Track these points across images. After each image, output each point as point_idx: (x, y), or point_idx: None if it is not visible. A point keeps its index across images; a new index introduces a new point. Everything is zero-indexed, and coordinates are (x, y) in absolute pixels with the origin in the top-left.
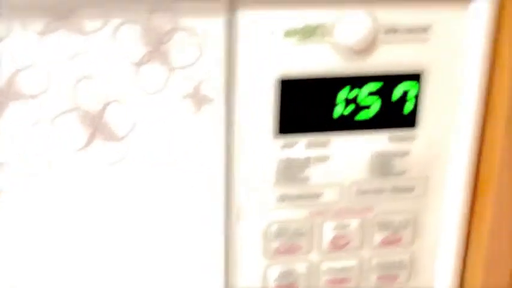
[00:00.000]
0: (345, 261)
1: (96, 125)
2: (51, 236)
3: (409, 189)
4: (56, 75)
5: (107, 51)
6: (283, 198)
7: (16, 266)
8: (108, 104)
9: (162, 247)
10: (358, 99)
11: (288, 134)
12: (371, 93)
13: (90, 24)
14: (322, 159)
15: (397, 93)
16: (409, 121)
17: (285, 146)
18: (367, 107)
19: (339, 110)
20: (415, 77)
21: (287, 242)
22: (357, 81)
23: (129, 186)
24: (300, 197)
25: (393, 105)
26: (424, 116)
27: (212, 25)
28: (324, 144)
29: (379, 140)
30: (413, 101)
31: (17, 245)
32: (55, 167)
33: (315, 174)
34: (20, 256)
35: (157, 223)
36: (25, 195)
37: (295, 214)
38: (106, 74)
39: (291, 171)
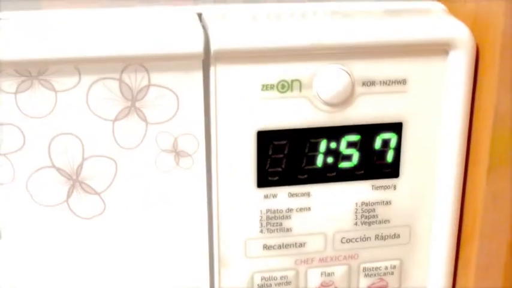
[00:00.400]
0: None
1: (74, 180)
2: None
3: (394, 237)
4: (32, 132)
5: (83, 108)
6: (267, 247)
7: None
8: (86, 159)
9: None
10: (338, 150)
11: (268, 186)
12: (351, 144)
13: (63, 81)
14: (305, 209)
15: (377, 144)
16: (391, 171)
17: (266, 197)
18: (348, 158)
19: (319, 162)
20: (395, 128)
21: None
22: (336, 133)
23: (109, 241)
24: (284, 246)
25: (374, 156)
26: (406, 166)
27: (188, 81)
28: (305, 195)
29: (361, 190)
30: (394, 151)
31: None
32: (34, 223)
33: (298, 224)
34: None
35: (140, 276)
36: (4, 251)
37: (280, 263)
38: (83, 130)
39: (274, 221)
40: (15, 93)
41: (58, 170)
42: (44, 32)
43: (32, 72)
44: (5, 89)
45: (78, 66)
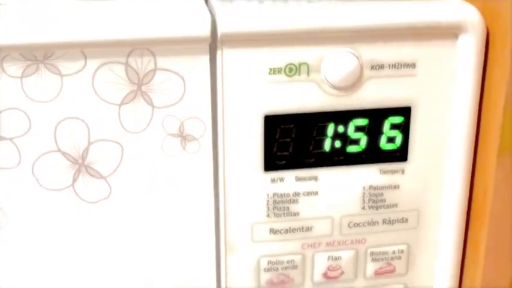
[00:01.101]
0: None
1: (80, 164)
2: (43, 273)
3: (402, 221)
4: (38, 117)
5: (89, 92)
6: (274, 232)
7: None
8: (93, 143)
9: (153, 283)
10: (346, 134)
11: (275, 170)
12: (359, 128)
13: (69, 65)
14: (312, 193)
15: (385, 128)
16: (399, 155)
17: (273, 181)
18: (356, 142)
19: (327, 146)
20: (403, 112)
21: (280, 274)
22: (344, 117)
23: (115, 225)
24: (291, 230)
25: (382, 140)
26: (414, 150)
27: (195, 65)
28: (312, 179)
29: (369, 174)
30: (402, 135)
31: (11, 283)
32: (40, 207)
33: (306, 208)
34: None
35: (146, 260)
36: (11, 235)
37: (287, 247)
38: (88, 114)
39: (281, 206)
40: (21, 77)
41: (64, 154)
42: (50, 16)
43: (37, 56)
44: (11, 74)
45: (84, 50)
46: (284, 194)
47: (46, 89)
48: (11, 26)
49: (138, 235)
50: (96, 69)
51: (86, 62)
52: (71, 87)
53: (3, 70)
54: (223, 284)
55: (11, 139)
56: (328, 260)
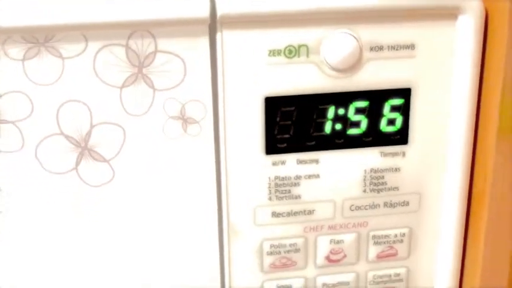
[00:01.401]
0: (341, 276)
1: (83, 148)
2: (45, 256)
3: (403, 205)
4: (40, 100)
5: (90, 74)
6: (276, 215)
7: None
8: (95, 126)
9: (156, 267)
10: (346, 117)
11: (276, 153)
12: (359, 111)
13: (70, 48)
14: (313, 176)
15: (385, 110)
16: (400, 138)
17: (275, 164)
18: (356, 124)
19: (327, 128)
20: (403, 93)
21: (282, 257)
22: (344, 99)
23: (119, 207)
24: (293, 213)
25: (382, 122)
26: (415, 132)
27: (195, 47)
28: (314, 162)
29: (370, 157)
30: (402, 117)
31: (12, 266)
32: (43, 191)
33: (307, 191)
34: (16, 278)
35: (149, 243)
36: (15, 219)
37: (289, 230)
38: (90, 97)
39: (282, 188)
40: (23, 60)
41: (67, 137)
42: None
43: (39, 38)
44: (13, 56)
45: (84, 32)
46: (286, 177)
47: (48, 72)
48: (12, 8)
49: (141, 218)
50: (97, 52)
51: (86, 45)
52: (72, 70)
53: (4, 53)
54: (226, 268)
55: (13, 122)
56: (330, 243)
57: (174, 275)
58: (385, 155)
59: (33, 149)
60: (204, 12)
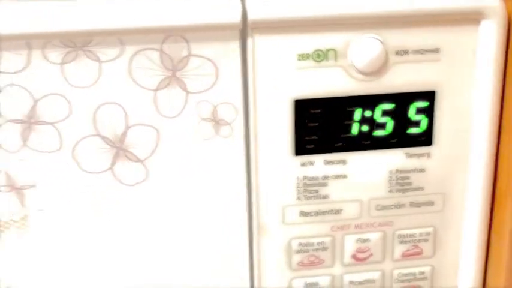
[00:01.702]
0: (367, 274)
1: (119, 148)
2: (78, 254)
3: (428, 204)
4: (77, 102)
5: (126, 78)
6: (304, 214)
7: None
8: (130, 127)
9: (186, 265)
10: (373, 119)
11: (305, 154)
12: (385, 113)
13: (107, 52)
14: (340, 176)
15: (411, 112)
16: (425, 139)
17: (303, 165)
18: (383, 126)
19: (354, 130)
20: (428, 96)
21: (310, 255)
22: (371, 101)
23: (152, 207)
24: (320, 212)
25: (408, 124)
26: (439, 134)
27: (227, 51)
28: (341, 162)
29: (396, 158)
30: (427, 119)
31: (47, 264)
32: (79, 190)
33: (335, 191)
34: (51, 275)
35: (180, 242)
36: (52, 217)
37: (316, 229)
38: (126, 99)
39: (310, 188)
40: (61, 63)
41: (103, 138)
42: (89, 4)
43: (77, 43)
44: (52, 60)
45: (121, 37)
46: (314, 177)
47: (85, 75)
48: (52, 14)
49: (172, 218)
50: (133, 56)
51: (123, 49)
52: (109, 73)
53: (44, 57)
54: (255, 265)
55: (52, 123)
56: (357, 242)
57: (203, 274)
58: (410, 156)
59: (70, 149)
60: (236, 18)
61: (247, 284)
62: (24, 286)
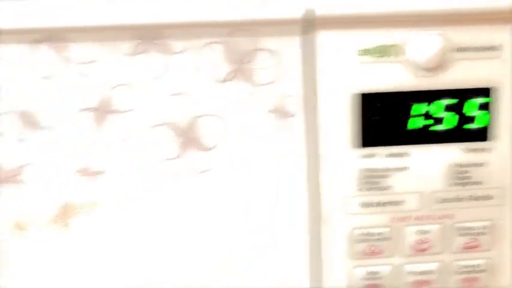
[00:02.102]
0: (427, 265)
1: (187, 137)
2: (147, 242)
3: (487, 198)
4: (147, 92)
5: (194, 69)
6: (366, 205)
7: (114, 273)
8: (197, 117)
9: (249, 251)
10: (433, 113)
11: (366, 146)
12: (445, 108)
13: (176, 44)
14: (402, 169)
15: (470, 107)
16: (484, 134)
17: (365, 157)
18: (443, 121)
19: (415, 124)
20: (488, 92)
21: (371, 245)
22: (431, 96)
23: (217, 195)
24: (381, 204)
25: (467, 120)
26: (499, 129)
27: (291, 45)
28: (402, 155)
29: (455, 152)
30: (487, 115)
31: (114, 251)
32: (148, 176)
33: (396, 183)
34: (117, 264)
35: (244, 228)
36: (121, 203)
37: (377, 220)
38: (195, 90)
39: (372, 180)
40: (132, 55)
41: (171, 127)
42: None
43: (148, 35)
44: (124, 51)
45: (189, 30)
46: (375, 169)
47: (154, 66)
48: (124, 7)
49: (235, 206)
50: (201, 48)
51: (190, 42)
52: (178, 65)
53: (116, 48)
54: (317, 254)
55: (122, 112)
56: (417, 233)
57: (262, 263)
58: (469, 150)
59: (140, 138)
60: (300, 13)
61: (308, 273)
62: (95, 269)
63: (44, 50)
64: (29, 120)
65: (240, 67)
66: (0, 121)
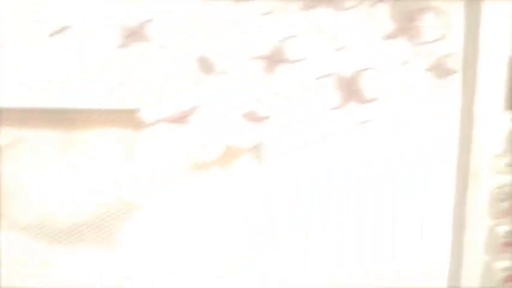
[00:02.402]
0: None
1: (350, 89)
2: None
3: None
4: (316, 45)
5: (362, 26)
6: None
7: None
8: (360, 71)
9: (398, 196)
10: None
11: None
12: None
13: (347, 1)
14: None
15: None
16: None
17: None
18: None
19: None
20: None
21: None
22: None
23: (374, 145)
24: None
25: None
26: None
27: (456, 7)
28: None
29: None
30: None
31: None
32: (311, 126)
33: None
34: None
35: (391, 181)
36: (284, 147)
37: None
38: (360, 45)
39: None
40: (304, 9)
41: (337, 78)
42: None
43: None
44: (296, 6)
45: None
46: None
47: (325, 21)
48: None
49: (391, 157)
50: (370, 6)
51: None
52: (347, 21)
53: (289, 3)
54: (463, 208)
55: (291, 63)
56: None
57: (408, 215)
58: None
59: (306, 88)
60: None
61: (450, 225)
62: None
63: None
64: (204, 65)
65: (405, 25)
66: (177, 65)
